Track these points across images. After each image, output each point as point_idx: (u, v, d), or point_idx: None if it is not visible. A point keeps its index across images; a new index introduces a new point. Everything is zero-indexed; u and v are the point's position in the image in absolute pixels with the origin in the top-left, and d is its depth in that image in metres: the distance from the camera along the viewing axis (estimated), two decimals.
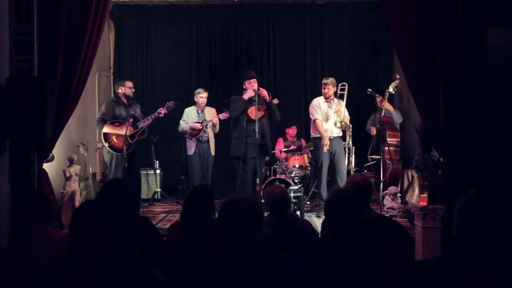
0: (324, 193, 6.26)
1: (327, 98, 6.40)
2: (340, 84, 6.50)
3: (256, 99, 5.91)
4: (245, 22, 8.45)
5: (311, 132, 6.62)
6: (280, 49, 8.42)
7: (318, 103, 6.43)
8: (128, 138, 5.88)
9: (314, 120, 6.40)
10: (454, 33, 4.49)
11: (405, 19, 4.64)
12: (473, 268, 1.84)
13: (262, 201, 5.86)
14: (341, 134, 6.46)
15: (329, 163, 6.31)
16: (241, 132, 6.06)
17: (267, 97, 6.06)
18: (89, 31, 4.73)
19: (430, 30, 4.56)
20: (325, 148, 6.25)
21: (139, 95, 8.31)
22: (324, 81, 6.47)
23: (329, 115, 6.34)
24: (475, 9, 4.40)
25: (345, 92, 6.47)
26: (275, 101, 6.26)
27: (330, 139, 6.26)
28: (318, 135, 6.35)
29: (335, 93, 6.44)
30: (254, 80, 6.11)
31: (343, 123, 6.33)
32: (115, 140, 5.97)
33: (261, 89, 6.07)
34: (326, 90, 6.36)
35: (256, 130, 5.73)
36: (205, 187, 3.78)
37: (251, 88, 6.01)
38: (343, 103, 6.43)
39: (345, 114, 6.35)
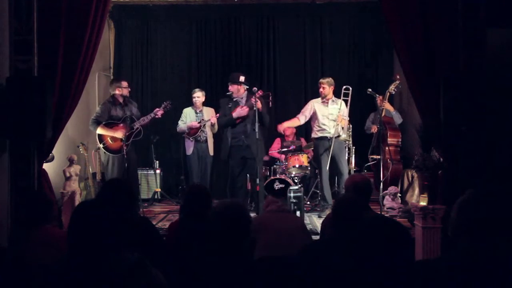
0: (327, 194, 6.23)
1: (323, 98, 6.34)
2: (343, 88, 6.42)
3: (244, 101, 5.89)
4: (245, 22, 8.45)
5: (312, 133, 6.56)
6: (280, 49, 8.42)
7: (311, 105, 6.41)
8: (123, 139, 5.87)
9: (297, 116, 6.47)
10: (454, 33, 4.49)
11: (405, 19, 4.64)
12: (473, 269, 1.84)
13: (252, 204, 5.92)
14: (341, 136, 6.28)
15: (329, 163, 6.20)
16: (226, 134, 6.04)
17: (260, 108, 5.76)
18: (89, 31, 4.73)
19: (430, 30, 4.55)
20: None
21: (139, 95, 8.33)
22: (321, 80, 6.43)
23: (327, 115, 6.28)
24: (475, 9, 4.40)
25: (349, 98, 6.36)
26: (260, 92, 5.89)
27: (329, 139, 6.20)
28: (317, 136, 6.33)
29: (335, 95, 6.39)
30: (240, 85, 6.01)
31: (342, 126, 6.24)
32: (110, 141, 5.96)
33: (258, 102, 5.72)
34: (321, 89, 6.31)
35: (256, 130, 5.65)
36: (202, 186, 3.68)
37: (242, 113, 5.88)
38: (346, 109, 6.32)
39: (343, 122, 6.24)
